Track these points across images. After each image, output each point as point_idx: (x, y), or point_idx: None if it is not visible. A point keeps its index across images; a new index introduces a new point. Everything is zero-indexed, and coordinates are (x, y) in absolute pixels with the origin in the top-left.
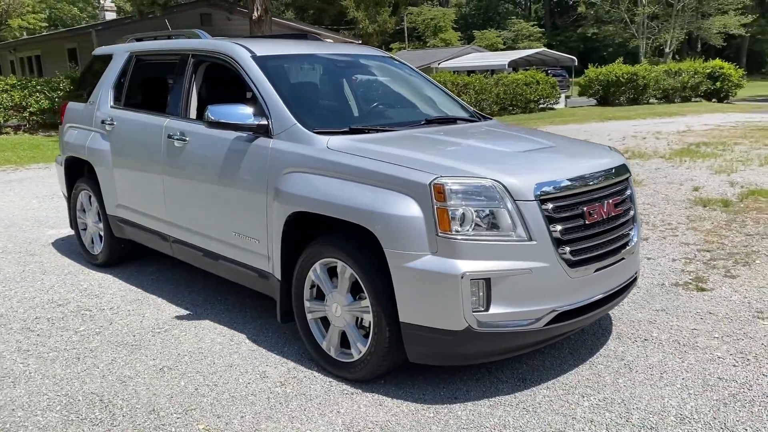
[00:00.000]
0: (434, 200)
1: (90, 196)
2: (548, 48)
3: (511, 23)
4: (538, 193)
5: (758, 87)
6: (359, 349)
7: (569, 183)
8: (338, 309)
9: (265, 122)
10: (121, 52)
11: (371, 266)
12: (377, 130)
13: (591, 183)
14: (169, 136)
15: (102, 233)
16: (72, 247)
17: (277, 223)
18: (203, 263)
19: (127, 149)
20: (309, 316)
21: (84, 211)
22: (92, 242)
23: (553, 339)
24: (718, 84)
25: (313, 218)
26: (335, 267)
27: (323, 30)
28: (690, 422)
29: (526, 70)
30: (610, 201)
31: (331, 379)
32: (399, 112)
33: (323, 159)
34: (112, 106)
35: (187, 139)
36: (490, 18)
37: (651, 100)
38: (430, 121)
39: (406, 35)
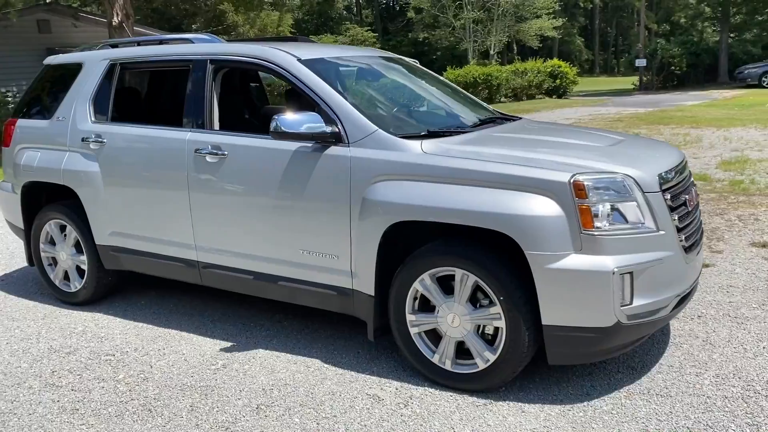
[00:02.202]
0: (575, 198)
1: (64, 226)
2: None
3: (345, 28)
4: (661, 183)
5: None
6: (486, 358)
7: (674, 173)
8: (456, 319)
9: (337, 129)
10: (94, 60)
11: (503, 271)
12: (451, 133)
13: (682, 172)
14: (197, 151)
15: (86, 266)
16: (24, 287)
17: (370, 235)
18: (252, 288)
19: (127, 168)
20: (413, 330)
21: (53, 243)
22: (65, 278)
23: None
24: (557, 81)
25: (410, 228)
26: (448, 276)
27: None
28: None
29: None
30: (694, 188)
31: (451, 393)
32: (449, 113)
33: (425, 164)
34: (94, 122)
35: (226, 153)
36: (324, 23)
37: (502, 99)
38: (483, 122)
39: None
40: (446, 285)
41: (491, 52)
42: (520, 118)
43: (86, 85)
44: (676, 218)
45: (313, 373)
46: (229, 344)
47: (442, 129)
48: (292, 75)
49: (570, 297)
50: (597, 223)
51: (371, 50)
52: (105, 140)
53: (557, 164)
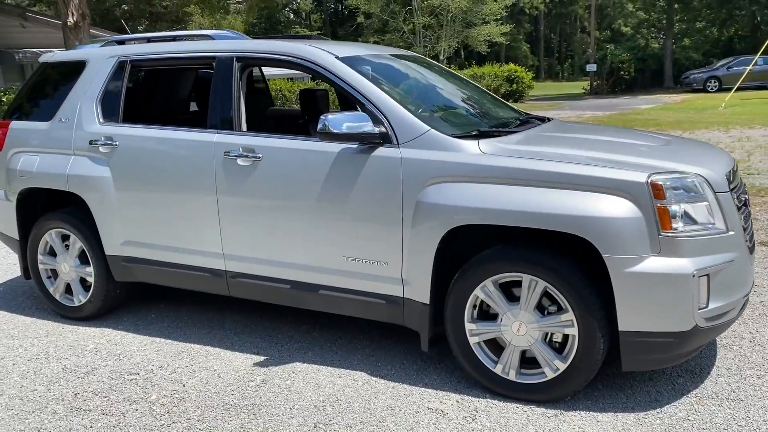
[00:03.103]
0: (653, 198)
1: (67, 236)
2: None
3: (295, 32)
4: (728, 182)
5: None
6: (556, 366)
7: (734, 173)
8: (522, 327)
9: (384, 129)
10: (100, 57)
11: (576, 276)
12: (501, 133)
13: (737, 173)
14: (227, 153)
15: (92, 278)
16: (16, 302)
17: (426, 240)
18: (288, 298)
19: (144, 173)
20: (472, 340)
21: (53, 254)
22: (66, 292)
23: None
24: (514, 86)
25: (465, 233)
26: (512, 282)
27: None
28: None
29: None
30: (746, 188)
31: (517, 405)
32: (486, 113)
33: (486, 165)
34: (102, 123)
35: (260, 155)
36: (272, 27)
37: None
38: (522, 122)
39: None
40: (506, 291)
41: (441, 57)
42: (552, 119)
43: (92, 84)
44: (742, 218)
45: (362, 387)
46: (261, 358)
47: (492, 129)
48: (333, 74)
49: (649, 301)
50: (675, 224)
51: (387, 48)
52: (117, 143)
53: (630, 164)
